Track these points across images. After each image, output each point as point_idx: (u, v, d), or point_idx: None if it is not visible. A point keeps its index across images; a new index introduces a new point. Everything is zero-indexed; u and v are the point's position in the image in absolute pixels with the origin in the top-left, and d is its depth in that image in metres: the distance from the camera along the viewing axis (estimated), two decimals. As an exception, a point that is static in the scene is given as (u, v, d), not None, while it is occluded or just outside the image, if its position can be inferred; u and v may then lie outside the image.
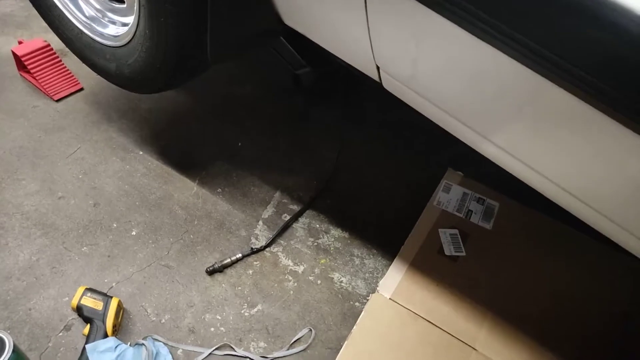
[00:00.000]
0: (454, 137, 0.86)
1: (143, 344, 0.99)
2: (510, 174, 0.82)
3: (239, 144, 1.50)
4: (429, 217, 1.28)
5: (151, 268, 1.16)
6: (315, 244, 1.28)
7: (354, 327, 1.03)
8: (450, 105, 0.81)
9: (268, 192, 1.38)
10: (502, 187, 1.31)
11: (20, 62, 1.54)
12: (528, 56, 0.60)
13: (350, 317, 1.14)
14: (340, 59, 0.93)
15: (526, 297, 1.13)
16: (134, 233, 1.23)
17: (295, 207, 1.35)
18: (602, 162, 0.65)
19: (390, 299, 1.10)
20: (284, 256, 1.24)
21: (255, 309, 1.12)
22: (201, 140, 1.50)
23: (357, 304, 1.17)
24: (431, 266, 1.17)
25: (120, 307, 1.05)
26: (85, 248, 1.18)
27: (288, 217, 1.32)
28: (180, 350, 1.03)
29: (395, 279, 1.14)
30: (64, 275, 1.12)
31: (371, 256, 1.27)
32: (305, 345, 1.07)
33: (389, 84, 0.87)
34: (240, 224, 1.29)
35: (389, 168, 1.50)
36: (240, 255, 1.20)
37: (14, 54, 1.52)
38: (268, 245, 1.25)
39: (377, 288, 1.10)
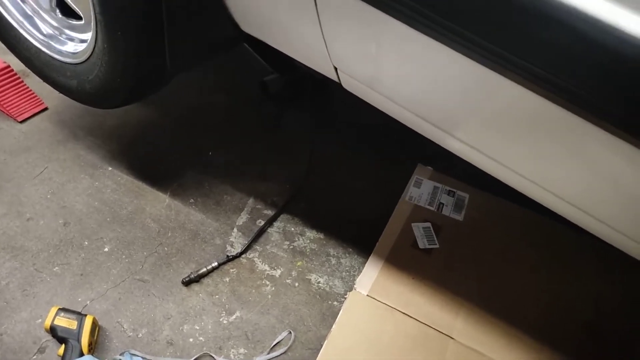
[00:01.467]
0: (423, 135, 0.88)
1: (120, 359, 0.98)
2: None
3: (210, 153, 1.50)
4: (401, 213, 1.30)
5: (126, 283, 1.15)
6: (291, 247, 1.28)
7: (333, 325, 1.04)
8: (411, 104, 0.82)
9: (241, 199, 1.38)
10: (472, 179, 1.33)
11: (-19, 86, 1.51)
12: (480, 53, 0.61)
13: (329, 316, 1.14)
14: (299, 62, 0.94)
15: (500, 284, 1.16)
16: (106, 249, 1.21)
17: (270, 212, 1.35)
18: (560, 152, 0.67)
19: (367, 295, 1.11)
20: (260, 261, 1.24)
21: (234, 316, 1.12)
22: (171, 151, 1.49)
23: (335, 303, 1.18)
24: (406, 260, 1.19)
25: (95, 324, 1.03)
26: (56, 268, 1.16)
27: (262, 223, 1.32)
28: (159, 363, 1.02)
29: (371, 276, 1.15)
30: (35, 297, 1.10)
31: (347, 255, 1.28)
32: (286, 348, 1.08)
33: (348, 84, 0.89)
34: (214, 232, 1.29)
35: (360, 168, 1.52)
36: (216, 263, 1.20)
37: (-26, 78, 1.49)
38: (244, 251, 1.25)
39: (354, 286, 1.11)
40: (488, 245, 1.23)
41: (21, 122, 1.51)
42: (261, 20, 0.91)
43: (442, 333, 1.06)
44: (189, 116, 1.62)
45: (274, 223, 1.33)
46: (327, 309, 1.16)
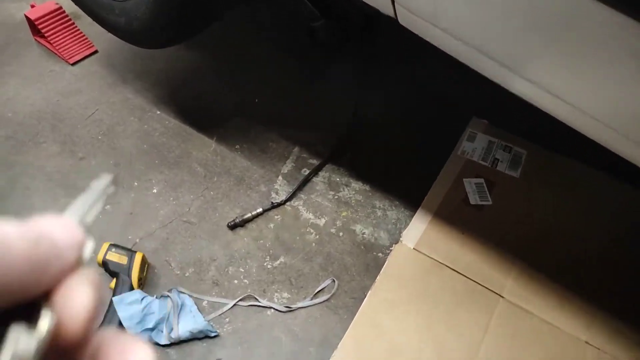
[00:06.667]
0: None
1: (168, 296, 1.00)
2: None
3: (256, 100, 1.47)
4: (453, 167, 1.24)
5: (173, 224, 1.17)
6: (336, 197, 1.26)
7: (378, 276, 1.02)
8: (477, 38, 0.75)
9: (287, 147, 1.36)
10: (530, 134, 1.25)
11: (34, 27, 1.52)
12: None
13: (374, 267, 1.13)
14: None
15: (555, 244, 1.10)
16: (154, 191, 1.23)
17: (315, 162, 1.33)
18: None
19: (414, 248, 1.08)
20: (304, 210, 1.23)
21: (278, 261, 1.12)
22: (217, 97, 1.47)
23: (380, 254, 1.15)
24: (456, 216, 1.14)
25: (144, 261, 1.06)
26: (108, 206, 1.19)
27: (307, 172, 1.30)
28: (205, 301, 1.04)
29: (419, 229, 1.12)
30: (88, 232, 1.14)
31: (393, 208, 1.24)
32: (329, 295, 1.07)
33: (405, 19, 0.82)
34: (259, 179, 1.28)
35: (409, 120, 1.46)
36: (260, 209, 1.19)
37: (27, 18, 1.51)
38: (288, 199, 1.23)
39: (401, 238, 1.08)
40: (545, 203, 1.16)
41: (72, 64, 1.52)
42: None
43: (491, 291, 1.03)
44: (236, 63, 1.59)
45: (319, 172, 1.31)
46: (372, 260, 1.14)
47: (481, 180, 1.21)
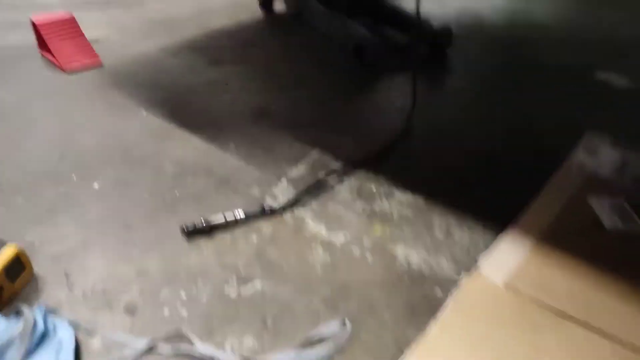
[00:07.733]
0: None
1: (23, 313, 0.53)
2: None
3: (273, 108, 1.11)
4: (566, 181, 0.78)
5: (102, 225, 0.74)
6: (369, 209, 0.78)
7: (432, 325, 0.51)
8: None
9: (302, 148, 0.94)
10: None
11: (40, 38, 1.35)
12: None
13: (424, 309, 0.59)
14: None
15: None
16: (95, 187, 0.83)
17: (340, 166, 0.88)
18: None
19: (505, 284, 0.58)
20: (314, 222, 0.76)
21: (249, 286, 0.63)
22: (228, 105, 1.13)
23: (437, 289, 0.63)
24: (581, 244, 0.65)
25: (20, 264, 0.62)
26: (20, 199, 0.80)
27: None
28: (99, 337, 0.55)
29: (513, 255, 0.62)
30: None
31: (465, 228, 0.74)
32: (332, 347, 0.54)
33: None
34: (252, 182, 0.85)
35: (478, 113, 1.01)
36: (242, 215, 0.74)
37: (33, 25, 1.34)
38: (291, 205, 0.78)
39: (478, 265, 0.58)
40: None
41: (70, 74, 1.28)
42: None
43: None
44: (265, 80, 1.26)
45: (346, 179, 0.86)
46: (422, 298, 0.61)
47: (619, 200, 0.73)
